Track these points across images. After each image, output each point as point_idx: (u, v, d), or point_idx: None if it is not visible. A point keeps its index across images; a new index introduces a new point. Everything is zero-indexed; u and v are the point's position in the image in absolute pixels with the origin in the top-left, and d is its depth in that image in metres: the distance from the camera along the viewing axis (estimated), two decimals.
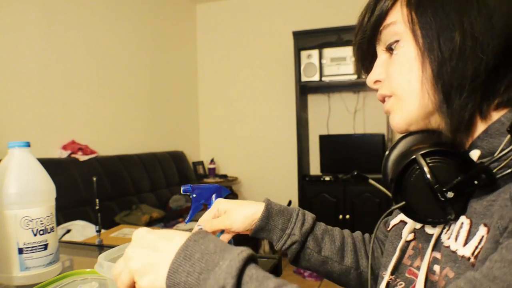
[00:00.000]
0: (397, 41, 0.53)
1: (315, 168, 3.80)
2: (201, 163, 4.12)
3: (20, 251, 0.74)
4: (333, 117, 3.75)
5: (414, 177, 0.51)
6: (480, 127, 0.50)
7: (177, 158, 3.68)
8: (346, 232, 0.77)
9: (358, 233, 0.78)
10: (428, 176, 0.49)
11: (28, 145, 0.79)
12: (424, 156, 0.50)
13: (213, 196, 0.84)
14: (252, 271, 0.41)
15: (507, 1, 0.47)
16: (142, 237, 0.47)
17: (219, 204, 0.72)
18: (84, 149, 2.65)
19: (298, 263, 0.72)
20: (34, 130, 2.41)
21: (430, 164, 0.50)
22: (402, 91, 0.53)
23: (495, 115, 0.49)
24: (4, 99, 2.23)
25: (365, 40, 0.58)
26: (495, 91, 0.48)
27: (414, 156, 0.51)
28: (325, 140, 3.68)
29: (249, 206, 0.71)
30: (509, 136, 0.47)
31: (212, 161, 4.02)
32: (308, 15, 3.76)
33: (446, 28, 0.47)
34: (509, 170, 0.45)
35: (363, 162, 3.41)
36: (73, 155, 2.57)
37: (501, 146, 0.47)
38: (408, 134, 0.57)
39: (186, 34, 4.15)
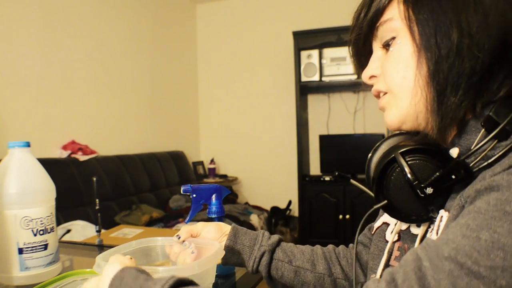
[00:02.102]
0: (393, 38, 0.53)
1: (315, 168, 3.80)
2: (201, 163, 4.12)
3: (20, 251, 0.74)
4: (333, 117, 3.75)
5: (395, 175, 0.52)
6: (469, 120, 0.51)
7: (177, 158, 3.68)
8: (315, 246, 0.78)
9: (329, 246, 0.79)
10: (407, 173, 0.50)
11: (28, 145, 0.79)
12: (403, 154, 0.51)
13: (213, 196, 0.84)
14: None
15: (502, 0, 0.47)
16: None
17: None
18: (84, 149, 2.65)
19: (273, 280, 0.73)
20: (34, 130, 2.41)
21: (409, 162, 0.50)
22: (397, 87, 0.53)
23: (486, 113, 0.49)
24: (4, 99, 2.23)
25: (361, 37, 0.57)
26: (488, 89, 0.48)
27: (393, 155, 0.52)
28: (325, 140, 3.68)
29: (219, 222, 0.77)
30: (483, 130, 0.48)
31: (212, 161, 4.02)
32: (308, 15, 3.76)
33: (443, 26, 0.47)
34: (485, 163, 0.46)
35: (363, 162, 3.38)
36: (73, 155, 2.57)
37: (476, 141, 0.48)
38: (391, 135, 0.58)
39: (186, 34, 4.15)
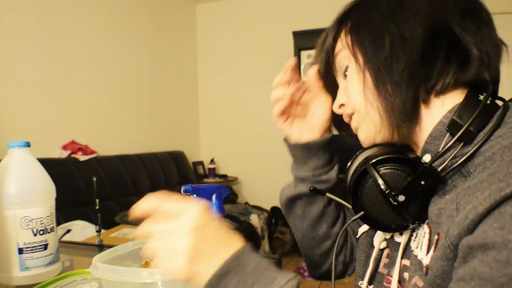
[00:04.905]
0: (347, 66, 0.57)
1: None
2: (201, 163, 4.12)
3: (20, 251, 0.73)
4: None
5: (368, 186, 0.53)
6: (425, 115, 0.52)
7: (177, 158, 3.68)
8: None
9: None
10: (379, 183, 0.51)
11: (28, 145, 0.79)
12: (375, 164, 0.52)
13: (213, 196, 0.84)
14: None
15: None
16: (206, 225, 0.45)
17: None
18: (84, 149, 2.65)
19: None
20: (34, 130, 2.41)
21: (381, 172, 0.51)
22: (359, 107, 0.56)
23: (437, 102, 0.51)
24: (4, 99, 2.23)
25: (322, 75, 0.63)
26: (429, 76, 0.50)
27: (365, 167, 0.53)
28: None
29: None
30: (448, 134, 0.49)
31: (212, 161, 4.02)
32: (308, 15, 3.76)
33: (378, 38, 0.51)
34: (453, 166, 0.47)
35: None
36: (73, 155, 2.57)
37: (442, 145, 0.49)
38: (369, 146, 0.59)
39: (186, 35, 4.15)
